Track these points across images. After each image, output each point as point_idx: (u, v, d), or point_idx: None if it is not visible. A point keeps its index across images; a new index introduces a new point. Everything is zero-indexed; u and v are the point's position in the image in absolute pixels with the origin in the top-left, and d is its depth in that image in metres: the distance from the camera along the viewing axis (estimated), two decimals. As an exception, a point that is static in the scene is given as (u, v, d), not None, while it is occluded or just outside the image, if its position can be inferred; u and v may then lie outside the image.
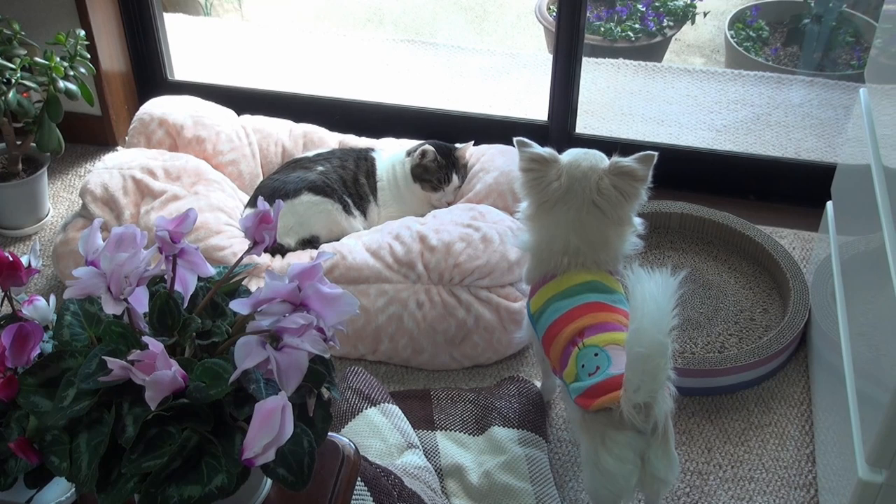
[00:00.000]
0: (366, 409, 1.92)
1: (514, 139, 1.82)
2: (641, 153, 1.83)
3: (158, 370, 1.01)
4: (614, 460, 1.58)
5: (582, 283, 1.79)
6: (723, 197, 2.64)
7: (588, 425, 1.64)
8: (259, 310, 1.06)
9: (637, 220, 1.86)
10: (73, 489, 1.25)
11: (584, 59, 2.69)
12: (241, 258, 1.19)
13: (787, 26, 3.62)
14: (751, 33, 3.60)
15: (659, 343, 1.44)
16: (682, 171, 2.71)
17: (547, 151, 1.80)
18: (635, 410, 1.51)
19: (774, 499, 1.91)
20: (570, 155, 1.82)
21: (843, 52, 3.49)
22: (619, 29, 3.60)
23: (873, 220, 1.68)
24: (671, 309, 1.44)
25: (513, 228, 2.24)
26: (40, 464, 1.08)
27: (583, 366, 1.67)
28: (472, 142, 2.51)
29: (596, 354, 1.66)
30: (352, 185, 2.41)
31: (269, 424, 0.98)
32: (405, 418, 1.95)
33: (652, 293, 1.45)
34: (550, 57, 2.68)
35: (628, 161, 1.82)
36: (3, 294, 1.17)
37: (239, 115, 2.68)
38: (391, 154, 2.49)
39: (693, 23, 3.74)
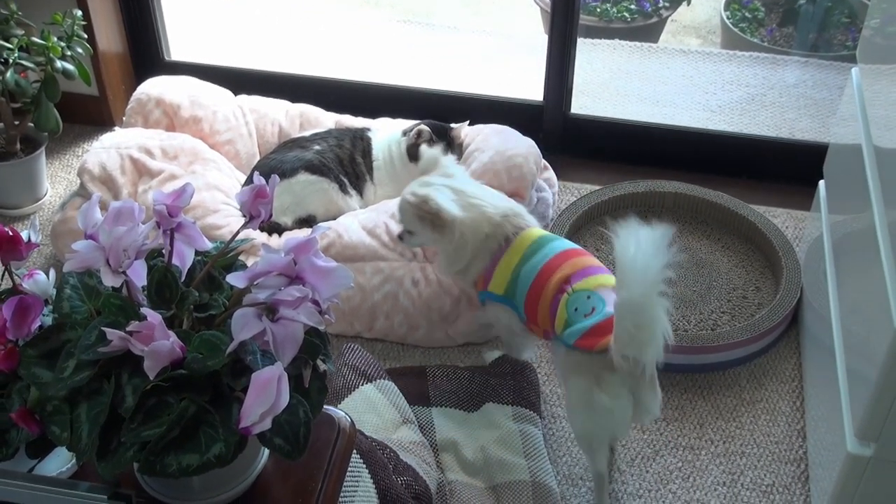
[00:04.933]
0: (362, 385, 1.94)
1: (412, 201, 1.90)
2: None
3: (157, 341, 1.02)
4: (611, 399, 1.66)
5: (537, 238, 1.85)
6: (717, 176, 2.66)
7: (582, 368, 1.69)
8: (255, 283, 1.08)
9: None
10: (74, 458, 1.27)
11: (580, 40, 2.70)
12: (238, 232, 1.21)
13: (783, 7, 3.62)
14: (746, 14, 3.60)
15: (648, 295, 1.49)
16: (677, 151, 2.73)
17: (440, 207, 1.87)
18: (623, 360, 1.57)
19: (765, 473, 1.93)
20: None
21: (837, 32, 3.50)
22: (614, 10, 3.60)
23: (864, 200, 1.69)
24: (661, 260, 1.47)
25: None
26: (41, 434, 1.09)
27: (576, 309, 1.72)
28: (468, 122, 2.52)
29: (588, 297, 1.72)
30: (348, 165, 2.42)
31: (266, 393, 1.00)
32: (401, 394, 1.97)
33: (640, 244, 1.49)
34: (546, 38, 2.69)
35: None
36: (3, 268, 1.19)
37: (236, 96, 2.68)
38: (387, 134, 2.50)
39: (689, 4, 3.74)
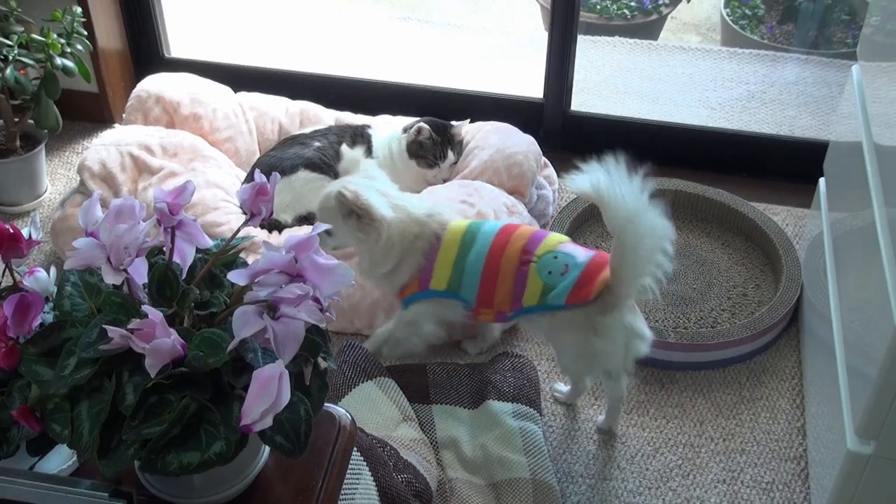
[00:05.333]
0: (362, 382, 1.95)
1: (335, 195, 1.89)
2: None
3: (158, 338, 1.02)
4: (608, 342, 1.75)
5: (467, 227, 1.90)
6: (717, 174, 2.66)
7: (575, 323, 1.76)
8: (256, 280, 1.08)
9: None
10: (75, 456, 1.27)
11: (580, 37, 2.70)
12: (239, 230, 1.21)
13: (783, 4, 3.62)
14: (746, 11, 3.60)
15: (637, 201, 1.63)
16: (677, 148, 2.73)
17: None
18: (630, 285, 1.68)
19: (765, 471, 1.93)
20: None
21: (837, 30, 3.50)
22: (615, 7, 3.60)
23: (864, 197, 1.69)
24: (634, 180, 1.64)
25: (507, 205, 2.26)
26: (42, 431, 1.09)
27: (549, 272, 1.77)
28: (468, 119, 2.52)
29: (555, 257, 1.78)
30: (348, 162, 2.43)
31: (267, 391, 1.00)
32: (401, 392, 1.97)
33: (609, 172, 1.66)
34: (546, 35, 2.69)
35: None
36: (4, 266, 1.19)
37: (236, 93, 2.68)
38: (387, 131, 2.50)
39: (689, 1, 3.74)
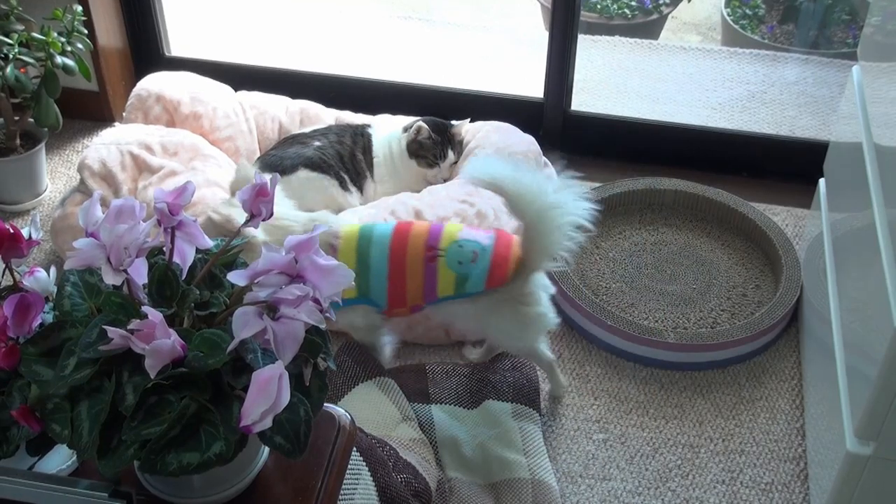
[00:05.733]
0: (362, 382, 1.95)
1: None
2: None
3: (158, 339, 1.02)
4: (536, 306, 1.84)
5: (359, 230, 1.91)
6: (717, 174, 2.66)
7: (500, 302, 1.83)
8: (256, 281, 1.08)
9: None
10: (75, 456, 1.27)
11: (581, 37, 2.70)
12: (239, 230, 1.21)
13: (783, 4, 3.62)
14: (747, 11, 3.60)
15: (537, 177, 1.74)
16: (677, 148, 2.73)
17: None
18: (546, 253, 1.78)
19: (764, 472, 1.94)
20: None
21: (838, 30, 3.50)
22: (615, 6, 3.60)
23: (864, 198, 1.69)
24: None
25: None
26: (42, 431, 1.09)
27: (460, 262, 1.81)
28: (469, 119, 2.52)
29: (461, 246, 1.82)
30: (348, 161, 2.42)
31: (266, 392, 1.00)
32: (401, 392, 1.97)
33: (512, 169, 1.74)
34: (546, 34, 2.69)
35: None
36: (4, 265, 1.19)
37: (236, 92, 2.68)
38: (388, 130, 2.50)
39: (689, 1, 3.74)
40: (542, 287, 1.87)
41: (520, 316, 1.85)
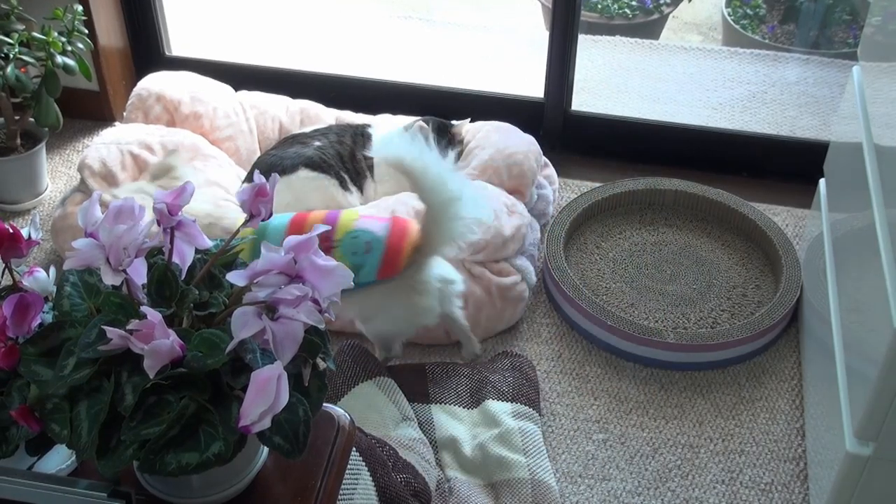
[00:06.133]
0: (362, 382, 1.95)
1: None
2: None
3: (157, 339, 1.03)
4: (426, 297, 1.88)
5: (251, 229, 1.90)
6: (717, 174, 2.66)
7: (394, 292, 1.86)
8: (255, 281, 1.08)
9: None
10: (74, 456, 1.27)
11: (581, 37, 2.70)
12: (238, 230, 1.21)
13: (784, 4, 3.62)
14: (748, 11, 3.60)
15: (442, 166, 1.75)
16: (677, 148, 2.73)
17: None
18: (438, 253, 1.83)
19: (764, 472, 1.94)
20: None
21: (839, 30, 3.50)
22: (616, 6, 3.60)
23: (864, 198, 1.69)
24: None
25: (507, 205, 2.26)
26: (41, 431, 1.09)
27: (354, 253, 1.83)
28: (469, 119, 2.52)
29: (354, 237, 1.84)
30: (349, 161, 2.42)
31: (265, 392, 1.00)
32: (401, 391, 1.97)
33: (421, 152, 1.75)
34: (547, 34, 2.69)
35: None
36: (3, 265, 1.19)
37: (236, 91, 2.68)
38: (388, 130, 2.50)
39: (690, 0, 3.74)
40: (439, 279, 1.90)
41: (410, 305, 1.89)
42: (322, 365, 1.16)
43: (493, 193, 2.29)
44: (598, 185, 2.55)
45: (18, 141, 2.55)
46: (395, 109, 2.66)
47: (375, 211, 2.25)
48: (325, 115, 2.65)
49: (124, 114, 2.62)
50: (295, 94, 2.71)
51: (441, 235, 1.82)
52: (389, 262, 1.83)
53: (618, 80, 3.23)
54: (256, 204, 1.17)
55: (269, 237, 1.85)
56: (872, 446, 1.53)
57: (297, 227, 1.88)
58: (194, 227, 1.16)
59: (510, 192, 2.33)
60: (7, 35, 2.35)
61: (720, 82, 3.19)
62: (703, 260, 2.38)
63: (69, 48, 2.40)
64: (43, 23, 2.40)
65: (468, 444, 1.92)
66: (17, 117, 2.51)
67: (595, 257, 2.39)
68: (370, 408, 1.90)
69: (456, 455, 1.91)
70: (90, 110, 2.87)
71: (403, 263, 1.83)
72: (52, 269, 1.22)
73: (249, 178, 2.40)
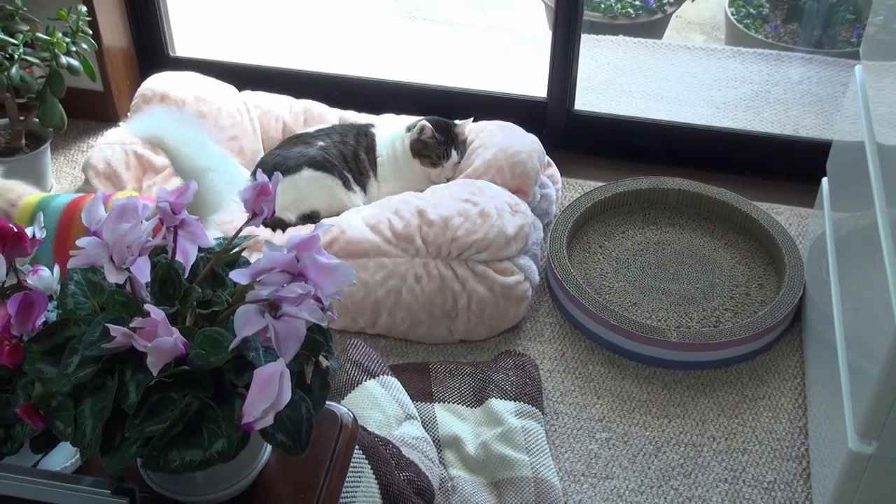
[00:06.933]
0: (365, 381, 1.95)
1: None
2: None
3: (160, 337, 1.03)
4: None
5: (40, 200, 1.91)
6: (720, 173, 2.66)
7: None
8: (258, 280, 1.08)
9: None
10: (78, 453, 1.28)
11: (584, 36, 2.70)
12: (241, 229, 1.21)
13: (787, 4, 3.62)
14: (751, 10, 3.60)
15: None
16: (680, 147, 2.73)
17: None
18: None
19: (767, 470, 1.94)
20: None
21: (842, 29, 3.50)
22: (619, 6, 3.60)
23: (867, 197, 1.70)
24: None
25: (511, 204, 2.26)
26: (46, 429, 1.10)
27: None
28: (472, 118, 2.53)
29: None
30: (352, 161, 2.43)
31: (268, 390, 1.01)
32: (404, 390, 1.98)
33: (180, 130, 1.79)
34: (550, 34, 2.69)
35: None
36: (8, 264, 1.19)
37: (240, 91, 2.69)
38: (391, 130, 2.51)
39: (693, 0, 3.74)
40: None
41: None
42: (324, 363, 1.16)
43: (496, 192, 2.29)
44: (601, 184, 2.55)
45: (23, 141, 2.56)
46: (399, 109, 2.66)
47: (378, 210, 2.26)
48: (328, 115, 2.66)
49: (128, 114, 2.63)
50: (298, 94, 2.72)
51: (198, 207, 1.81)
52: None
53: (621, 80, 3.23)
54: (259, 203, 1.18)
55: (47, 213, 1.87)
56: (875, 445, 1.53)
57: (73, 207, 1.88)
58: (197, 226, 1.16)
59: (513, 192, 2.34)
60: (12, 35, 2.36)
61: (723, 82, 3.19)
62: (706, 259, 2.38)
63: (73, 49, 2.40)
64: (47, 23, 2.41)
65: (471, 442, 1.93)
66: (21, 118, 2.52)
67: (598, 256, 2.39)
68: (373, 406, 1.90)
69: (459, 453, 1.92)
70: (94, 111, 2.88)
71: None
72: (56, 268, 1.22)
73: (253, 178, 2.41)
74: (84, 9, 2.43)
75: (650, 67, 3.32)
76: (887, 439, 1.50)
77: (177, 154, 1.79)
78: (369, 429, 1.79)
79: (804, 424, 2.03)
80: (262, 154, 2.57)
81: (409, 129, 2.46)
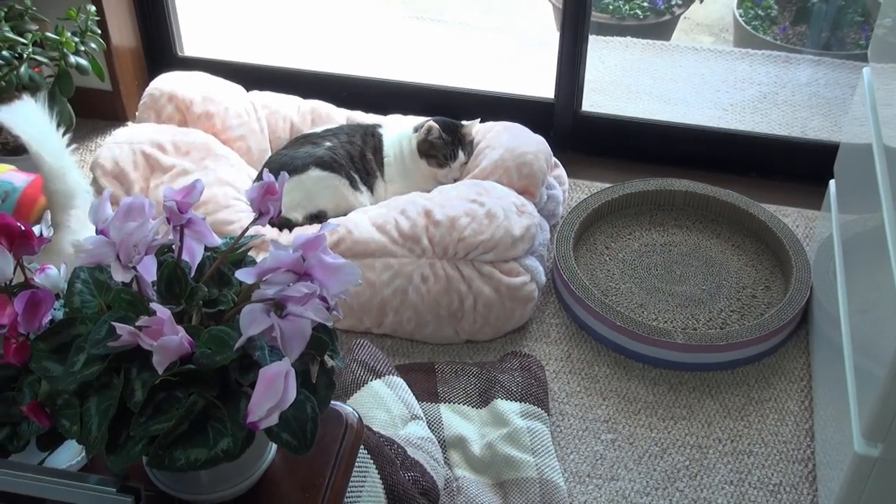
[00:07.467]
0: (371, 381, 1.95)
1: None
2: None
3: (166, 336, 1.03)
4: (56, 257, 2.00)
5: None
6: (727, 175, 2.66)
7: None
8: (264, 279, 1.09)
9: None
10: (84, 451, 1.28)
11: (592, 37, 2.70)
12: (247, 228, 1.22)
13: (796, 5, 3.61)
14: (759, 12, 3.59)
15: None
16: (688, 149, 2.73)
17: None
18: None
19: (773, 472, 1.93)
20: None
21: (850, 31, 3.49)
22: (627, 7, 3.60)
23: (874, 199, 1.69)
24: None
25: (517, 205, 2.26)
26: (52, 427, 1.11)
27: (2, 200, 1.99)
28: (479, 119, 2.53)
29: None
30: (359, 161, 2.43)
31: (273, 389, 1.01)
32: (409, 390, 1.98)
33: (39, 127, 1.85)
34: (557, 35, 2.69)
35: None
36: (15, 263, 1.20)
37: (248, 91, 2.69)
38: (398, 130, 2.51)
39: (702, 1, 3.73)
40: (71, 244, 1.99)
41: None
42: (330, 362, 1.16)
43: (503, 193, 2.29)
44: (607, 185, 2.55)
45: (31, 140, 2.57)
46: (406, 109, 2.67)
47: (385, 210, 2.26)
48: (336, 115, 2.66)
49: (136, 113, 2.63)
50: (306, 94, 2.72)
51: (50, 202, 1.90)
52: (23, 209, 1.96)
53: (628, 81, 3.23)
54: (265, 202, 1.18)
55: (6, 204, 1.99)
56: (881, 447, 1.52)
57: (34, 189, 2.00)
58: (204, 225, 1.17)
59: (520, 193, 2.34)
60: (21, 35, 2.37)
61: (731, 83, 3.18)
62: (712, 261, 2.38)
63: (82, 48, 2.41)
64: (56, 23, 2.42)
65: (477, 443, 1.93)
66: (30, 117, 2.53)
67: (604, 258, 2.39)
68: (379, 406, 1.91)
69: (464, 454, 1.92)
70: (103, 110, 2.89)
71: (36, 214, 1.96)
72: (64, 267, 1.23)
73: (260, 178, 2.41)
74: (93, 8, 2.44)
75: (658, 69, 3.31)
76: (893, 442, 1.50)
77: (35, 156, 1.87)
78: (374, 429, 1.79)
79: (810, 427, 2.02)
80: (269, 154, 2.57)
81: (416, 130, 2.46)
